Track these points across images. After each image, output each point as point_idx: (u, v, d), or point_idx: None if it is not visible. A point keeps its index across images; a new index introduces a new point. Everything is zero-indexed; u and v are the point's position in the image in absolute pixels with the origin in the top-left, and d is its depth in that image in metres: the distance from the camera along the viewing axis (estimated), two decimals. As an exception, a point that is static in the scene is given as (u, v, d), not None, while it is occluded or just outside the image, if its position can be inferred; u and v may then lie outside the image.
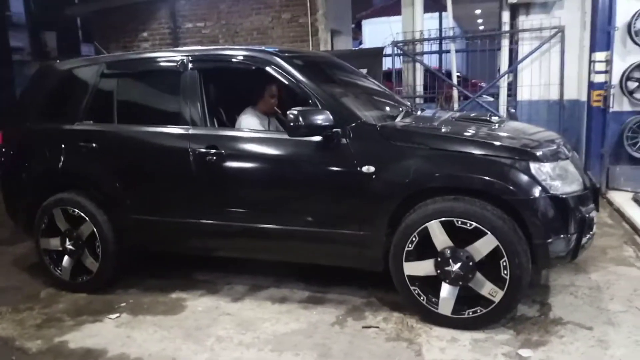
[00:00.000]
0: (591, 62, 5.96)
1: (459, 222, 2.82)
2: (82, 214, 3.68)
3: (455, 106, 7.14)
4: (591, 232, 3.06)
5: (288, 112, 2.94)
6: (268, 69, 3.30)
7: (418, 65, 7.42)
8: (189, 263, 4.08)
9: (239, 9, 8.12)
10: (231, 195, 3.34)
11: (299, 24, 7.92)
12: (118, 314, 3.43)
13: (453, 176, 2.88)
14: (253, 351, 2.87)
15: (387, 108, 3.64)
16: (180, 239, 3.60)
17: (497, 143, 2.93)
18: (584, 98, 6.29)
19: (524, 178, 2.78)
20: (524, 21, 6.59)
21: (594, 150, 5.98)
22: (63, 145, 3.75)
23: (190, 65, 3.47)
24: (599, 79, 5.81)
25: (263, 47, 3.50)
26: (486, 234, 2.78)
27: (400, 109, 3.61)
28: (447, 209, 2.85)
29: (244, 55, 3.42)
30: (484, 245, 2.81)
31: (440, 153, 2.92)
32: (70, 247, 3.79)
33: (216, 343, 2.98)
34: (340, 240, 3.12)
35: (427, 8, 7.83)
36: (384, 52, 7.23)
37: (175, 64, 3.50)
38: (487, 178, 2.80)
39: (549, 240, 2.78)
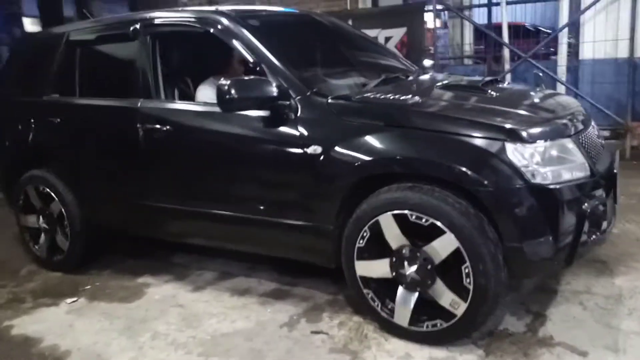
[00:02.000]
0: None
1: (413, 217, 2.29)
2: (51, 192, 3.54)
3: (506, 67, 6.28)
4: (600, 230, 2.40)
5: (218, 83, 2.51)
6: (214, 31, 2.87)
7: (467, 22, 6.60)
8: (172, 244, 3.85)
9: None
10: (175, 175, 3.02)
11: (337, -19, 7.30)
12: (76, 298, 3.28)
13: (405, 159, 2.33)
14: (180, 353, 2.58)
15: (371, 75, 3.07)
16: (134, 221, 3.35)
17: (465, 117, 2.34)
18: (660, 55, 5.24)
19: (495, 162, 2.19)
20: (588, -36, 5.56)
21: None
22: (32, 120, 3.60)
23: (142, 31, 3.13)
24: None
25: (216, 7, 3.07)
26: (444, 232, 2.23)
27: (382, 76, 3.04)
28: (399, 199, 2.32)
29: (191, 18, 3.02)
30: (443, 246, 2.26)
31: (394, 131, 2.38)
32: (44, 225, 3.68)
33: (149, 340, 2.72)
34: (289, 231, 2.70)
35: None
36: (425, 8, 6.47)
37: (128, 31, 3.17)
38: (445, 162, 2.23)
39: (526, 242, 2.18)
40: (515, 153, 2.19)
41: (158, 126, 2.99)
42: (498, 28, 6.71)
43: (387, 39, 6.72)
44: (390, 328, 2.51)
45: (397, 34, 6.76)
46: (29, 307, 3.22)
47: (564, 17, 5.89)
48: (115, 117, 3.21)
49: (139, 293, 3.28)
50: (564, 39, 5.91)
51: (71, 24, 4.06)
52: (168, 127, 2.95)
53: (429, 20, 6.59)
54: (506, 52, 6.27)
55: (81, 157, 3.43)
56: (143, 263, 3.70)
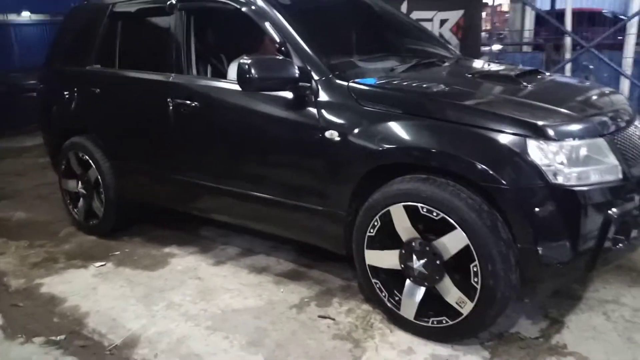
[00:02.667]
0: None
1: (424, 210, 2.21)
2: (89, 160, 3.69)
3: (567, 57, 5.92)
4: (628, 238, 2.23)
5: (240, 62, 2.50)
6: (244, 9, 2.85)
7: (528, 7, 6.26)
8: (201, 219, 3.93)
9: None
10: (199, 151, 3.05)
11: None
12: (104, 262, 3.42)
13: (419, 150, 2.25)
14: (189, 325, 2.64)
15: (400, 60, 2.97)
16: (161, 193, 3.43)
17: (487, 110, 2.21)
18: None
19: (513, 159, 2.06)
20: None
21: None
22: (76, 89, 3.74)
23: (178, 6, 3.16)
24: None
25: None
26: (455, 228, 2.15)
27: (415, 61, 2.93)
28: (411, 191, 2.25)
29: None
30: (452, 242, 2.18)
31: (412, 120, 2.29)
32: (82, 190, 3.85)
33: (162, 310, 2.80)
34: (303, 214, 2.68)
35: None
36: (484, -9, 6.18)
37: (164, 5, 3.21)
38: (460, 156, 2.13)
39: (541, 245, 2.06)
40: (537, 151, 2.06)
41: (187, 101, 3.03)
42: (563, 15, 6.33)
43: (443, 22, 6.47)
44: (396, 319, 2.46)
45: (454, 16, 6.51)
46: (61, 268, 3.39)
47: (635, 4, 5.46)
48: (149, 90, 3.27)
49: (163, 262, 3.38)
50: (632, 28, 5.48)
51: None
52: (195, 102, 2.98)
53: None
54: (568, 41, 5.91)
55: (116, 127, 3.54)
56: (172, 234, 3.81)
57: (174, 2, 3.16)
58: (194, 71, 3.15)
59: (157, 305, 2.85)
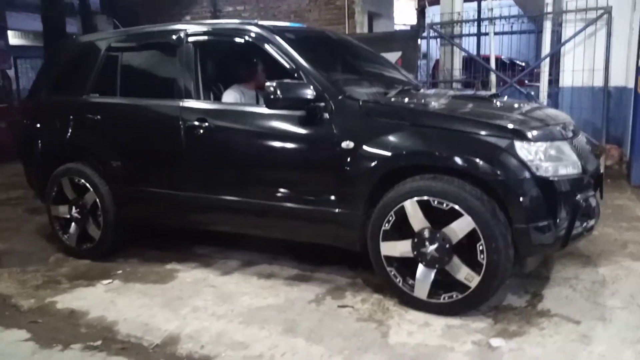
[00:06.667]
0: (640, 45, 5.49)
1: (435, 202, 2.68)
2: (87, 184, 3.82)
3: (493, 91, 6.80)
4: (589, 221, 2.82)
5: (266, 84, 2.89)
6: (255, 41, 3.26)
7: (457, 49, 7.14)
8: (192, 238, 4.15)
9: (277, -9, 8.12)
10: (218, 169, 3.35)
11: (336, 6, 7.82)
12: (111, 280, 3.54)
13: (429, 153, 2.74)
14: (222, 322, 2.88)
15: (384, 85, 3.50)
16: (172, 212, 3.64)
17: (480, 120, 2.76)
18: (631, 85, 5.81)
19: (506, 157, 2.60)
20: (568, 2, 6.16)
21: (641, 142, 5.53)
22: (71, 117, 3.89)
23: (186, 39, 3.49)
24: (649, 64, 5.35)
25: (255, 20, 3.46)
26: (462, 215, 2.63)
27: (399, 87, 3.47)
28: (423, 187, 2.71)
29: (233, 28, 3.40)
30: (460, 227, 2.65)
31: (419, 130, 2.78)
32: (76, 215, 3.94)
33: (190, 313, 3.01)
34: (320, 219, 3.05)
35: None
36: (419, 35, 7.00)
37: (172, 38, 3.54)
38: (464, 156, 2.64)
39: (531, 224, 2.59)
40: (522, 149, 2.61)
41: (198, 123, 3.33)
42: (484, 59, 7.31)
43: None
44: (410, 301, 2.86)
45: (392, 57, 7.28)
46: (67, 287, 3.47)
47: (546, 48, 6.48)
48: (158, 115, 3.53)
49: (170, 277, 3.57)
50: (545, 67, 6.49)
51: (110, 32, 4.37)
52: (208, 123, 3.29)
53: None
54: (493, 78, 6.82)
55: (119, 152, 3.71)
56: (167, 254, 3.97)
57: (181, 35, 3.49)
58: (201, 96, 3.46)
59: (183, 310, 3.05)
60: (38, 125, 4.13)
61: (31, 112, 4.22)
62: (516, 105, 3.30)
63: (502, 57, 9.09)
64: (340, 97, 2.99)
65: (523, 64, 9.66)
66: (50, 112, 4.05)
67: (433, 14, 7.05)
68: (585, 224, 2.79)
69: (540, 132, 2.72)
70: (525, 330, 2.63)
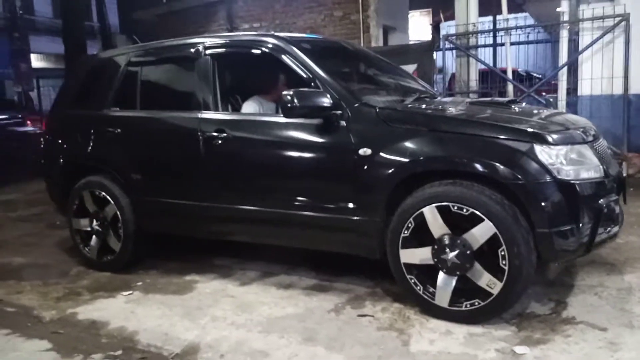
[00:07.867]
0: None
1: (455, 208, 2.65)
2: (107, 196, 3.86)
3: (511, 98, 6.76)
4: (612, 225, 2.77)
5: (283, 93, 2.91)
6: (272, 52, 3.29)
7: (473, 60, 7.14)
8: (211, 249, 4.16)
9: (293, 8, 8.25)
10: (233, 179, 3.36)
11: (351, 21, 7.89)
12: (131, 292, 3.56)
13: (448, 158, 2.72)
14: (242, 331, 2.87)
15: (401, 93, 3.51)
16: (192, 222, 3.66)
17: (499, 124, 2.74)
18: (652, 92, 5.76)
19: (526, 161, 2.57)
20: (584, 10, 6.13)
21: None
22: (92, 131, 3.96)
23: (204, 52, 3.54)
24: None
25: (272, 32, 3.51)
26: (483, 220, 2.59)
27: (415, 94, 3.46)
28: (442, 193, 2.69)
29: (250, 40, 3.45)
30: (481, 233, 2.62)
31: (437, 135, 2.77)
32: (97, 227, 3.98)
33: (210, 322, 3.01)
34: (339, 227, 3.04)
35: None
36: (435, 47, 7.02)
37: (191, 51, 3.59)
38: (484, 160, 2.61)
39: (554, 229, 2.54)
40: (542, 153, 2.58)
41: (217, 134, 3.36)
42: (501, 72, 7.30)
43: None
44: (431, 309, 2.82)
45: (408, 70, 7.30)
46: (88, 299, 3.50)
47: (563, 57, 6.44)
48: (177, 127, 3.58)
49: (189, 287, 3.57)
50: (563, 76, 6.44)
51: (130, 47, 4.46)
52: (226, 134, 3.31)
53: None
54: (510, 89, 6.79)
55: (139, 164, 3.76)
56: (187, 265, 3.99)
57: (199, 48, 3.55)
58: (220, 108, 3.50)
59: (202, 320, 3.05)
60: (60, 140, 4.21)
61: (53, 126, 4.30)
62: (535, 111, 3.27)
63: (519, 69, 9.11)
64: (356, 105, 3.00)
65: (540, 76, 9.64)
66: (72, 126, 4.13)
67: (448, 26, 7.02)
68: (609, 230, 2.74)
69: (560, 136, 2.68)
70: (550, 337, 2.57)
